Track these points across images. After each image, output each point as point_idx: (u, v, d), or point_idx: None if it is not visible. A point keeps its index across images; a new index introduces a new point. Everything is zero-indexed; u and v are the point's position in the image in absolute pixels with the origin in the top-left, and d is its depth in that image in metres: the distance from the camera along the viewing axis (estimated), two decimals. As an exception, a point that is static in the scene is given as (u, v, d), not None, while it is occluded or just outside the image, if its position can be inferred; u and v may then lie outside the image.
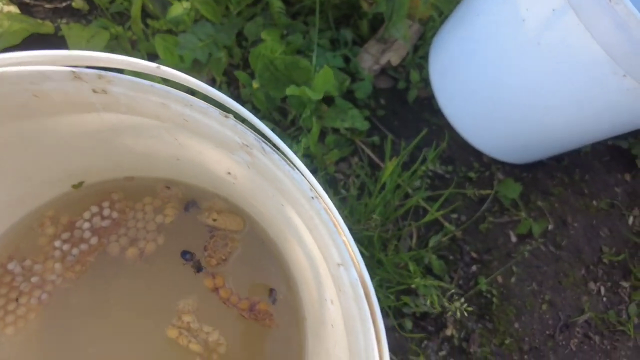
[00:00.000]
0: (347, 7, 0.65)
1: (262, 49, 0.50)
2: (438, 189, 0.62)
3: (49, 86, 0.27)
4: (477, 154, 0.65)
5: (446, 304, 0.55)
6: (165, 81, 0.27)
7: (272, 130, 0.40)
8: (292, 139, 0.59)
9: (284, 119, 0.61)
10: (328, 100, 0.60)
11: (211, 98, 0.26)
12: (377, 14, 0.65)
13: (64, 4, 0.65)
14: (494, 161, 0.65)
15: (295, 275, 0.43)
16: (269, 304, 0.43)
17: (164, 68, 0.25)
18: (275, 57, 0.48)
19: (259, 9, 0.64)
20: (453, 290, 0.54)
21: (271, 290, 0.42)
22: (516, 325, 0.59)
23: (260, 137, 0.26)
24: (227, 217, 0.42)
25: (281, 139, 0.26)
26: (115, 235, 0.44)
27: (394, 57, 0.65)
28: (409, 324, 0.56)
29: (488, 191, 0.61)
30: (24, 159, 0.36)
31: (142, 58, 0.33)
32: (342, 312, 0.28)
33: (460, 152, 0.65)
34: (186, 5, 0.52)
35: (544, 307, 0.61)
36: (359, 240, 0.55)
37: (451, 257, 0.60)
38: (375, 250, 0.55)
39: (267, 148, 0.26)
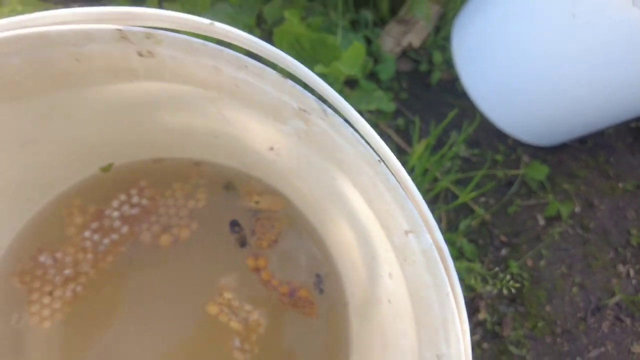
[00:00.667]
0: (366, -12, 0.64)
1: (287, 26, 0.49)
2: (465, 172, 0.61)
3: (93, 48, 0.25)
4: (502, 137, 0.64)
5: (479, 288, 0.54)
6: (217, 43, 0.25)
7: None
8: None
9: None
10: (351, 83, 0.59)
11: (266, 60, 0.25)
12: (398, -5, 0.63)
13: (75, -10, 0.63)
14: (519, 143, 0.64)
15: (337, 257, 0.42)
16: (312, 291, 0.41)
17: (218, 25, 0.24)
18: (301, 33, 0.47)
19: (276, -9, 0.63)
20: (494, 270, 0.53)
21: (317, 276, 0.40)
22: (547, 308, 0.58)
23: (320, 100, 0.25)
24: (268, 198, 0.41)
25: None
26: (147, 223, 0.42)
27: (415, 38, 0.64)
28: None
29: (518, 171, 0.60)
30: (56, 137, 0.34)
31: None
32: (407, 284, 0.27)
33: (486, 134, 0.64)
34: (209, -17, 0.50)
35: (574, 290, 0.60)
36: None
37: (481, 241, 0.59)
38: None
39: (329, 111, 0.25)
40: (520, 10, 0.52)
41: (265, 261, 0.41)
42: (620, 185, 0.65)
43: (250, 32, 0.57)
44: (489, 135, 0.64)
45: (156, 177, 0.43)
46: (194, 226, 0.42)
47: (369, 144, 0.25)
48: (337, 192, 0.32)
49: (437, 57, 0.64)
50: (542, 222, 0.62)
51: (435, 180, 0.58)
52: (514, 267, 0.58)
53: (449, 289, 0.23)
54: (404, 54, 0.65)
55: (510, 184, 0.62)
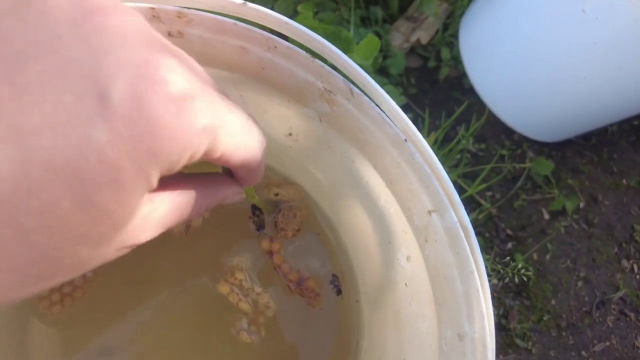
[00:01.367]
0: (376, -15, 0.65)
1: (301, 20, 0.49)
2: (472, 166, 0.62)
3: (123, 28, 0.26)
4: (508, 132, 0.65)
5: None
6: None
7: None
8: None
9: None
10: (361, 76, 0.59)
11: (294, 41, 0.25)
12: (407, -8, 0.64)
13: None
14: (525, 139, 0.65)
15: (349, 245, 0.42)
16: (320, 283, 0.42)
17: (250, 5, 0.24)
18: (317, 26, 0.47)
19: (286, -13, 0.63)
20: (503, 260, 0.54)
21: (333, 276, 0.40)
22: (553, 302, 0.59)
23: (348, 79, 0.25)
24: (287, 188, 0.41)
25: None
26: None
27: (423, 35, 0.65)
28: (448, 301, 0.55)
29: (524, 165, 0.61)
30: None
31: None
32: (427, 265, 0.27)
33: (492, 130, 0.65)
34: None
35: (580, 284, 0.60)
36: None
37: (487, 234, 0.60)
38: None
39: (356, 90, 0.25)
40: (528, 6, 0.53)
41: (279, 245, 0.41)
42: (624, 181, 0.66)
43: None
44: (496, 131, 0.65)
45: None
46: (205, 214, 0.42)
47: (395, 124, 0.25)
48: (355, 175, 0.32)
49: (445, 53, 0.64)
50: (547, 216, 0.62)
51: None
52: (520, 260, 0.58)
53: (474, 267, 0.24)
54: (413, 50, 0.66)
55: (516, 178, 0.63)
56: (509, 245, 0.60)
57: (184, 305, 0.39)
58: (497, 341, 0.55)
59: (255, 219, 0.40)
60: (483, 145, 0.63)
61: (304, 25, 0.48)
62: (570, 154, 0.66)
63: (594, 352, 0.58)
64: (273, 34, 0.26)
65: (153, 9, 0.25)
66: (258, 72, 0.28)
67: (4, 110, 0.10)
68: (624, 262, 0.63)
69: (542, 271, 0.60)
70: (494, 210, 0.61)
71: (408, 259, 0.30)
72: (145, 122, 0.12)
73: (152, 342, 0.39)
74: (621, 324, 0.60)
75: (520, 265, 0.48)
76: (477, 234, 0.59)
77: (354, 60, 0.48)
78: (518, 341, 0.56)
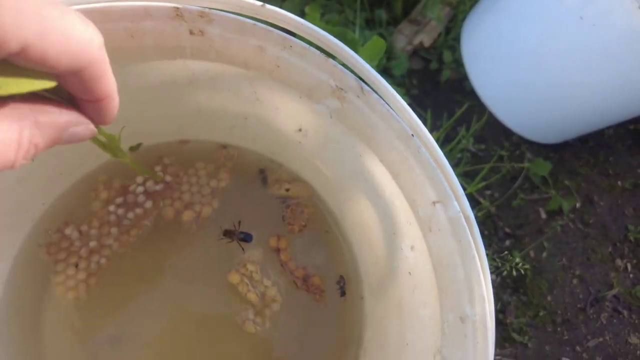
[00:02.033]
0: (380, -12, 0.66)
1: (309, 20, 0.51)
2: (472, 165, 0.63)
3: (148, 25, 0.27)
4: (508, 134, 0.67)
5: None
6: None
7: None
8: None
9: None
10: (365, 77, 0.61)
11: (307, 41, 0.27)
12: (411, -4, 0.66)
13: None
14: (524, 140, 0.67)
15: (353, 240, 0.44)
16: (325, 280, 0.43)
17: (268, 7, 0.26)
18: (323, 27, 0.49)
19: (293, -11, 0.65)
20: (501, 255, 0.55)
21: (340, 278, 0.42)
22: (549, 298, 0.61)
23: (359, 77, 0.27)
24: (297, 186, 0.43)
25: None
26: (170, 199, 0.44)
27: (426, 38, 0.67)
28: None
29: (521, 164, 0.62)
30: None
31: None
32: (431, 253, 0.29)
33: (492, 131, 0.67)
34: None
35: (575, 281, 0.62)
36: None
37: (486, 232, 0.62)
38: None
39: (367, 88, 0.27)
40: (528, 12, 0.54)
41: (286, 243, 0.43)
42: (620, 183, 0.68)
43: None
44: (495, 132, 0.66)
45: (182, 156, 0.45)
46: (215, 204, 0.44)
47: (402, 120, 0.27)
48: (362, 170, 0.34)
49: (447, 56, 0.66)
50: (544, 215, 0.64)
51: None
52: (517, 257, 0.60)
53: (475, 252, 0.25)
54: (416, 52, 0.68)
55: (514, 178, 0.64)
56: (507, 243, 0.62)
57: (193, 294, 0.40)
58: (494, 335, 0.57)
59: (233, 239, 0.40)
60: (483, 146, 0.65)
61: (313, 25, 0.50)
62: (567, 155, 0.68)
63: (588, 347, 0.60)
64: (289, 34, 0.27)
65: (177, 8, 0.26)
66: (273, 70, 0.30)
67: None
68: (618, 262, 0.64)
69: (539, 268, 0.62)
70: (492, 209, 0.62)
71: (412, 248, 0.32)
72: None
73: (160, 329, 0.40)
74: (614, 320, 0.62)
75: (515, 258, 0.50)
76: (476, 231, 0.61)
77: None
78: (515, 335, 0.58)
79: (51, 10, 0.12)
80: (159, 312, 0.40)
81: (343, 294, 0.42)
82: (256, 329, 0.39)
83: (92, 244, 0.41)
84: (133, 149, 0.44)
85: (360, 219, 0.40)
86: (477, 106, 0.66)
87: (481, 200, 0.62)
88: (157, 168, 0.44)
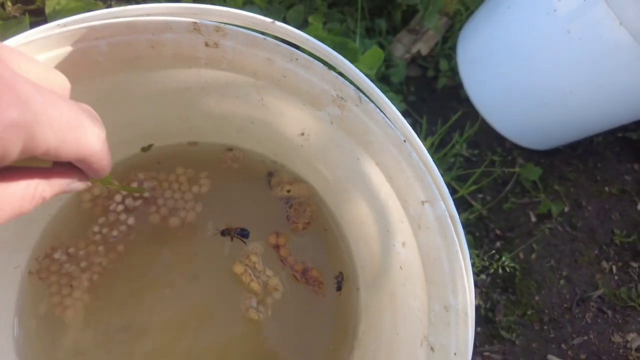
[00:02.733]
0: (381, -1, 0.69)
1: (311, 30, 0.54)
2: (465, 169, 0.66)
3: (167, 37, 0.30)
4: (500, 140, 0.70)
5: (475, 277, 0.59)
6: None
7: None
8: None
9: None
10: (365, 84, 0.64)
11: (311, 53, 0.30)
12: (410, 6, 0.69)
13: (112, -13, 0.68)
14: (516, 146, 0.69)
15: (350, 238, 0.46)
16: (324, 273, 0.46)
17: (278, 23, 0.29)
18: (325, 37, 0.52)
19: (297, -2, 0.68)
20: (490, 253, 0.58)
21: (340, 274, 0.45)
22: (537, 298, 0.64)
23: (358, 88, 0.30)
24: (298, 186, 0.46)
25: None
26: (155, 206, 0.45)
27: (423, 47, 0.70)
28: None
29: (513, 169, 0.65)
30: (112, 116, 0.39)
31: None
32: (420, 249, 0.32)
33: (485, 137, 0.70)
34: (244, -13, 0.55)
35: (562, 282, 0.65)
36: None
37: (477, 234, 0.64)
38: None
39: (364, 98, 0.30)
40: (520, 25, 0.57)
41: (284, 240, 0.46)
42: (607, 189, 0.71)
43: (276, 33, 0.62)
44: (488, 138, 0.69)
45: (191, 157, 0.48)
46: (198, 208, 0.45)
47: (395, 127, 0.30)
48: (360, 172, 0.37)
49: (444, 64, 0.69)
50: (534, 219, 0.67)
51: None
52: (507, 258, 0.63)
53: (458, 248, 0.28)
54: (413, 60, 0.71)
55: (506, 183, 0.67)
56: (498, 244, 0.65)
57: (199, 286, 0.43)
58: (483, 332, 0.60)
59: (232, 237, 0.43)
60: (476, 151, 0.68)
61: (314, 36, 0.53)
62: (557, 161, 0.71)
63: (573, 345, 0.62)
64: (295, 48, 0.30)
65: (195, 23, 0.29)
66: (280, 80, 0.33)
67: None
68: (604, 264, 0.67)
69: (528, 269, 0.65)
70: (484, 212, 0.65)
71: (403, 245, 0.35)
72: None
73: (167, 318, 0.43)
74: (599, 320, 0.64)
75: (504, 259, 0.53)
76: (468, 232, 0.63)
77: (360, 70, 0.53)
78: (503, 333, 0.61)
79: (71, 121, 0.16)
80: (165, 304, 0.43)
81: (339, 288, 0.45)
82: (259, 316, 0.42)
83: (82, 263, 0.42)
84: (145, 149, 0.47)
85: (357, 218, 0.43)
86: (472, 113, 0.69)
87: (473, 203, 0.64)
88: (134, 184, 0.45)
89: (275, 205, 0.47)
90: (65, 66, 0.30)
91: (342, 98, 0.31)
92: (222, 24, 0.29)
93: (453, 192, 0.64)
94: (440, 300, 0.30)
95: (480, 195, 0.66)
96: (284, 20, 0.65)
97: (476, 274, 0.60)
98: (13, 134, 0.14)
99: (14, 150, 0.14)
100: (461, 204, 0.65)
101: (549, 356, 0.61)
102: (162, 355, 0.41)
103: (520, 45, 0.58)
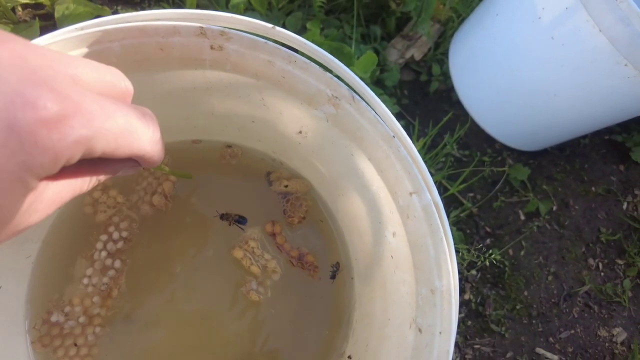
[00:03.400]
0: (376, 6, 0.72)
1: (309, 36, 0.57)
2: (456, 169, 0.69)
3: (176, 40, 0.33)
4: (490, 141, 0.72)
5: (466, 272, 0.62)
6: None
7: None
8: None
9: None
10: (360, 87, 0.67)
11: (308, 56, 0.32)
12: (403, 13, 0.72)
13: (117, -7, 0.71)
14: (505, 148, 0.72)
15: (345, 230, 0.49)
16: (319, 259, 0.48)
17: (278, 29, 0.31)
18: (322, 42, 0.55)
19: (296, 5, 0.71)
20: (479, 247, 0.61)
21: (337, 264, 0.47)
22: (525, 293, 0.66)
23: (351, 88, 0.33)
24: (295, 182, 0.48)
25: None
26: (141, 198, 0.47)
27: (417, 52, 0.73)
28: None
29: (502, 168, 0.68)
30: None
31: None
32: (408, 237, 0.34)
33: (476, 139, 0.72)
34: (245, -6, 0.58)
35: (550, 278, 0.68)
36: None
37: (468, 231, 0.67)
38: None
39: (357, 97, 0.32)
40: (507, 32, 0.60)
41: (280, 227, 0.48)
42: (593, 189, 0.74)
43: (275, 38, 0.65)
44: (479, 139, 0.72)
45: (193, 154, 0.50)
46: (172, 178, 0.47)
47: (385, 124, 0.32)
48: (353, 167, 0.39)
49: (436, 69, 0.72)
50: (522, 217, 0.70)
51: (430, 175, 0.66)
52: (497, 254, 0.65)
53: (442, 235, 0.31)
54: (407, 65, 0.74)
55: (495, 182, 0.70)
56: (488, 241, 0.67)
57: (202, 269, 0.45)
58: (473, 326, 0.62)
59: (230, 222, 0.46)
60: (467, 152, 0.71)
61: (312, 41, 0.56)
62: (545, 162, 0.74)
63: (560, 338, 0.65)
64: (294, 51, 0.33)
65: (202, 27, 0.32)
66: (279, 81, 0.35)
67: None
68: (590, 261, 0.70)
69: (517, 265, 0.67)
70: (475, 210, 0.68)
71: (394, 234, 0.37)
72: (17, 141, 0.15)
73: (173, 305, 0.45)
74: (585, 315, 0.67)
75: (492, 252, 0.55)
76: (459, 229, 0.66)
77: (355, 73, 0.55)
78: (493, 326, 0.63)
79: (124, 130, 0.19)
80: (172, 294, 0.45)
81: (333, 277, 0.48)
82: (259, 297, 0.44)
83: (81, 319, 0.42)
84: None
85: (351, 211, 0.46)
86: (463, 115, 0.72)
87: (464, 201, 0.67)
88: (111, 228, 0.45)
89: (271, 199, 0.49)
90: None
91: (337, 97, 0.34)
92: (227, 29, 0.32)
93: (444, 190, 0.67)
94: (427, 284, 0.33)
95: (471, 194, 0.69)
96: (284, 26, 0.68)
97: (467, 269, 0.63)
98: (77, 147, 0.16)
99: (76, 158, 0.17)
100: (452, 202, 0.67)
101: (537, 349, 0.64)
102: (172, 339, 0.44)
103: (508, 50, 0.61)
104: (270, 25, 0.31)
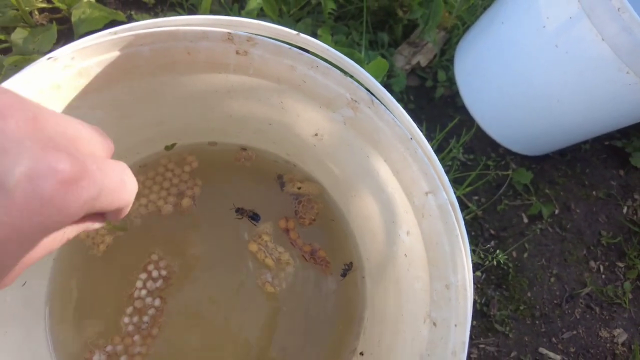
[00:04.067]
0: (383, 13, 0.74)
1: (321, 40, 0.59)
2: (461, 172, 0.71)
3: (203, 45, 0.34)
4: (494, 146, 0.74)
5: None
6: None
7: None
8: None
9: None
10: (368, 92, 0.68)
11: (328, 61, 0.34)
12: (410, 21, 0.74)
13: (131, -2, 0.72)
14: (509, 152, 0.74)
15: (357, 232, 0.50)
16: (329, 256, 0.50)
17: (302, 35, 0.33)
18: (334, 47, 0.56)
19: (305, 12, 0.73)
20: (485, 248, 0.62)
21: (350, 263, 0.49)
22: (529, 294, 0.68)
23: (370, 92, 0.34)
24: (308, 184, 0.50)
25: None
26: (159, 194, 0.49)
27: (423, 59, 0.75)
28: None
29: (506, 172, 0.70)
30: (145, 116, 0.43)
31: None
32: (423, 236, 0.36)
33: (480, 143, 0.74)
34: (259, 0, 0.60)
35: (552, 280, 0.69)
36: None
37: (473, 233, 0.68)
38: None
39: (376, 100, 0.34)
40: (511, 39, 0.62)
41: (294, 223, 0.50)
42: (594, 193, 0.76)
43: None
44: (483, 144, 0.74)
45: (209, 156, 0.52)
46: (198, 182, 0.49)
47: (403, 126, 0.34)
48: (368, 168, 0.41)
49: (441, 75, 0.74)
50: (526, 220, 0.71)
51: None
52: (501, 257, 0.67)
53: (458, 232, 0.32)
54: (413, 71, 0.76)
55: (499, 186, 0.72)
56: (492, 243, 0.69)
57: (220, 263, 0.47)
58: (478, 326, 0.63)
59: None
60: (472, 156, 0.72)
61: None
62: (547, 167, 0.76)
63: (563, 339, 0.66)
64: (316, 57, 0.34)
65: (229, 33, 0.33)
66: (300, 85, 0.37)
67: None
68: (592, 263, 0.72)
69: (520, 267, 0.69)
70: (479, 213, 0.69)
71: (408, 233, 0.39)
72: (38, 204, 0.15)
73: (196, 302, 0.46)
74: (587, 316, 0.68)
75: (498, 252, 0.56)
76: (465, 231, 0.68)
77: (366, 78, 0.57)
78: (497, 326, 0.64)
79: (119, 188, 0.19)
80: (191, 278, 0.46)
81: (344, 275, 0.49)
82: (275, 288, 0.46)
83: (123, 358, 0.43)
84: (168, 148, 0.51)
85: (363, 212, 0.47)
86: (468, 120, 0.74)
87: (469, 204, 0.69)
88: (151, 267, 0.46)
89: (283, 201, 0.51)
90: (111, 69, 0.34)
91: (356, 101, 0.35)
92: (254, 35, 0.34)
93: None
94: (442, 279, 0.34)
95: (476, 197, 0.70)
96: (294, 32, 0.70)
97: (472, 270, 0.64)
98: (86, 206, 0.17)
99: (80, 215, 0.17)
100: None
101: (541, 349, 0.65)
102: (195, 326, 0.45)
103: (513, 57, 0.63)
104: (294, 32, 0.33)
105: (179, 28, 0.33)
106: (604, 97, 0.56)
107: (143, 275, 0.45)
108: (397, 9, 0.72)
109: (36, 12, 0.67)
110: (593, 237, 0.73)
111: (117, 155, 0.21)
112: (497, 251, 0.66)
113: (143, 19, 0.67)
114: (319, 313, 0.48)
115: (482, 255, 0.66)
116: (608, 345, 0.67)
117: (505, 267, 0.68)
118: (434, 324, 0.34)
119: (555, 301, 0.68)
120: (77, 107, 0.35)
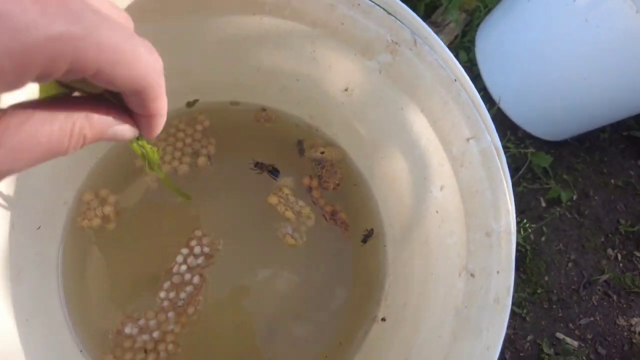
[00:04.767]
0: (405, -8, 0.74)
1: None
2: (481, 154, 0.70)
3: (241, -19, 0.33)
4: (514, 129, 0.73)
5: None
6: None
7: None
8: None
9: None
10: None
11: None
12: (432, 0, 0.73)
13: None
14: (528, 136, 0.73)
15: (378, 196, 0.49)
16: (348, 218, 0.48)
17: (345, -31, 0.32)
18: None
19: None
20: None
21: (371, 230, 0.47)
22: (546, 278, 0.66)
23: (413, 32, 0.33)
24: (331, 149, 0.49)
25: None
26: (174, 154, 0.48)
27: (444, 39, 0.74)
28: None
29: (526, 150, 0.69)
30: (170, 61, 0.42)
31: None
32: (460, 186, 0.35)
33: (500, 126, 0.73)
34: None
35: (570, 265, 0.68)
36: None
37: (491, 214, 0.67)
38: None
39: (419, 40, 0.33)
40: (539, 18, 0.62)
41: (317, 182, 0.49)
42: (613, 181, 0.75)
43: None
44: (503, 127, 0.73)
45: (231, 116, 0.50)
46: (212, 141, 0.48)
47: (448, 68, 0.33)
48: (401, 122, 0.39)
49: (463, 56, 0.73)
50: (544, 204, 0.70)
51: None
52: (519, 238, 0.66)
53: (502, 176, 0.31)
54: (433, 50, 0.75)
55: (518, 168, 0.71)
56: (510, 225, 0.67)
57: (240, 214, 0.46)
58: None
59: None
60: (491, 137, 0.72)
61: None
62: (566, 153, 0.75)
63: (580, 325, 0.65)
64: (357, -6, 0.33)
65: (270, -34, 0.32)
66: (337, 28, 0.36)
67: None
68: (609, 251, 0.70)
69: (538, 250, 0.67)
70: (498, 194, 0.68)
71: (441, 188, 0.37)
72: None
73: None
74: (604, 303, 0.67)
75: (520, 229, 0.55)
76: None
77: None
78: (514, 308, 0.63)
79: (124, 44, 0.14)
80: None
81: (364, 241, 0.48)
82: (295, 241, 0.44)
83: (155, 334, 0.41)
84: (190, 105, 0.49)
85: (389, 174, 0.46)
86: (488, 102, 0.73)
87: (488, 184, 0.68)
88: (193, 242, 0.44)
89: (302, 166, 0.49)
90: (136, 4, 0.33)
91: (396, 43, 0.34)
92: (295, -31, 0.32)
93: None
94: (481, 228, 0.33)
95: (495, 178, 0.69)
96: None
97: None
98: (60, 46, 0.12)
99: (60, 66, 0.13)
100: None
101: (557, 334, 0.64)
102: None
103: (539, 36, 0.62)
104: (338, -35, 0.32)
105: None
106: (634, 73, 0.55)
107: (185, 250, 0.43)
108: (420, -13, 0.71)
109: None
110: (611, 225, 0.72)
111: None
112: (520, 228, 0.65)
113: None
114: (337, 280, 0.47)
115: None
116: (625, 333, 0.66)
117: (523, 250, 0.66)
118: (472, 275, 0.33)
119: (572, 287, 0.67)
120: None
